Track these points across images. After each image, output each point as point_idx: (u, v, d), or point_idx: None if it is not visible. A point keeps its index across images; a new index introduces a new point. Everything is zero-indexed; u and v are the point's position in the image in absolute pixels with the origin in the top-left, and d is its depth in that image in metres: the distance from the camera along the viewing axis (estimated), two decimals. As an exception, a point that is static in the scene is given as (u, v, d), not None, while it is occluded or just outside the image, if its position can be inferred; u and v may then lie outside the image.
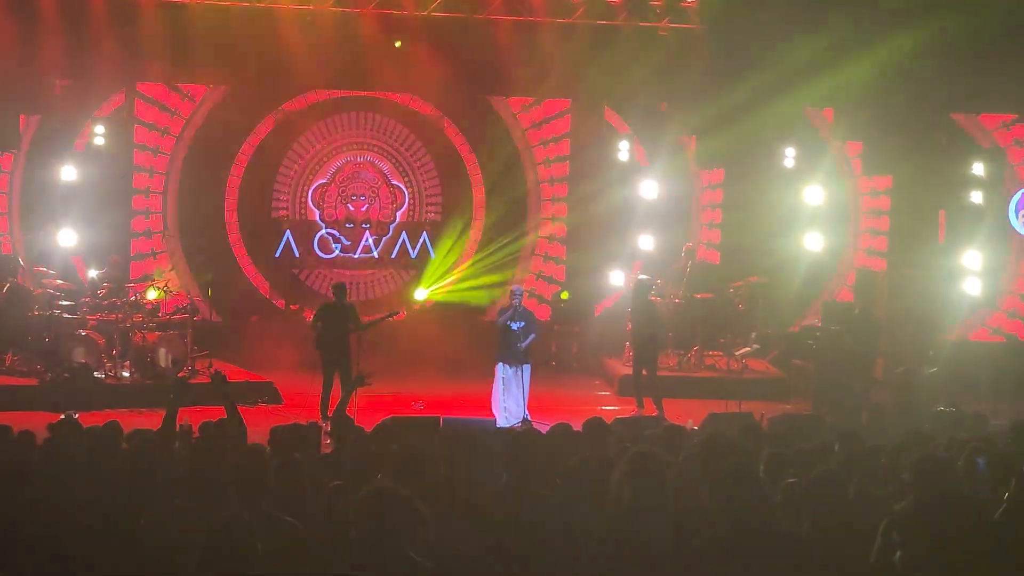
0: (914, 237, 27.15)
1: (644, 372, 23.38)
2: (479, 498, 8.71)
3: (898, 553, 8.50)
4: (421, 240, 28.69)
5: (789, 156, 27.73)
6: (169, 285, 24.40)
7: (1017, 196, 27.32)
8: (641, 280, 24.32)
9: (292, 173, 28.19)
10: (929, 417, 20.20)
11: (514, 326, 21.08)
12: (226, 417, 12.15)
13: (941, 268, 26.72)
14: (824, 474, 8.97)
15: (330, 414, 19.86)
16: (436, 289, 28.31)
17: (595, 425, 11.82)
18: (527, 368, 21.26)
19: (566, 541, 7.83)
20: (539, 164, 28.92)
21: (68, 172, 25.83)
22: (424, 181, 28.74)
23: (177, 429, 13.20)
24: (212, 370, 13.27)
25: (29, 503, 8.86)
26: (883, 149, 27.34)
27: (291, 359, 24.61)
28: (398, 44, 26.52)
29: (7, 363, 23.27)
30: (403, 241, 28.65)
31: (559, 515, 8.15)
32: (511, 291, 21.67)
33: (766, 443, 11.31)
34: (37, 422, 13.31)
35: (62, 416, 15.17)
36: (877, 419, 20.00)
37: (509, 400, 20.97)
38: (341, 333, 21.60)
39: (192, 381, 23.19)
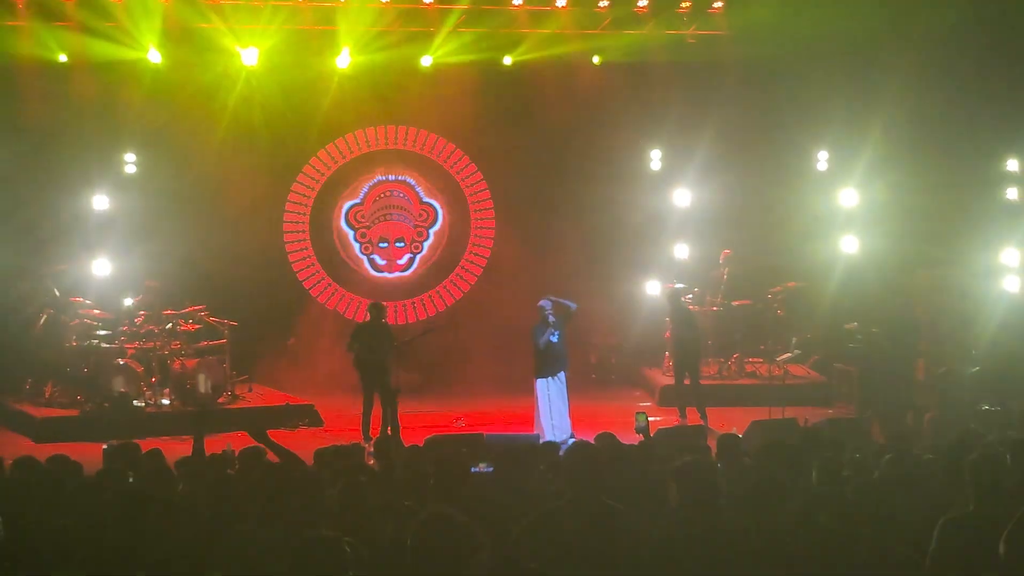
0: (951, 236, 26.94)
1: (686, 381, 23.29)
2: (542, 512, 8.60)
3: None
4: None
5: (822, 159, 27.66)
6: (204, 316, 24.32)
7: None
8: (677, 288, 24.26)
9: (325, 195, 28.14)
10: (974, 416, 20.09)
11: (554, 339, 20.96)
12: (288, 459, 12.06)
13: (979, 265, 26.54)
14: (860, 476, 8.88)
15: (373, 435, 19.98)
16: None
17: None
18: (563, 375, 21.11)
19: (630, 551, 7.76)
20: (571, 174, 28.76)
21: (100, 201, 25.83)
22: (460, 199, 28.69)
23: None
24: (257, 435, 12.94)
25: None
26: (915, 148, 27.20)
27: (330, 380, 24.54)
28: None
29: (47, 395, 23.25)
30: (438, 258, 28.60)
31: (624, 526, 8.08)
32: (540, 307, 21.33)
33: (822, 450, 11.19)
34: (79, 453, 13.27)
35: (104, 446, 15.18)
36: (921, 420, 19.90)
37: (555, 414, 20.79)
38: (379, 353, 21.54)
39: (232, 406, 23.35)
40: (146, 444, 14.42)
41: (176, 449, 17.22)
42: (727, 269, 26.44)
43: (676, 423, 22.40)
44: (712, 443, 14.59)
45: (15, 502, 9.58)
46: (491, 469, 11.41)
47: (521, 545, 8.02)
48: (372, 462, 13.98)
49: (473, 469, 12.26)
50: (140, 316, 23.74)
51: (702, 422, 22.12)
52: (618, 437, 12.58)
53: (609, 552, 7.81)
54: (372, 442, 18.12)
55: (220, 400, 23.38)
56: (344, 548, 6.96)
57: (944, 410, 21.60)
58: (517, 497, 9.52)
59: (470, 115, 27.81)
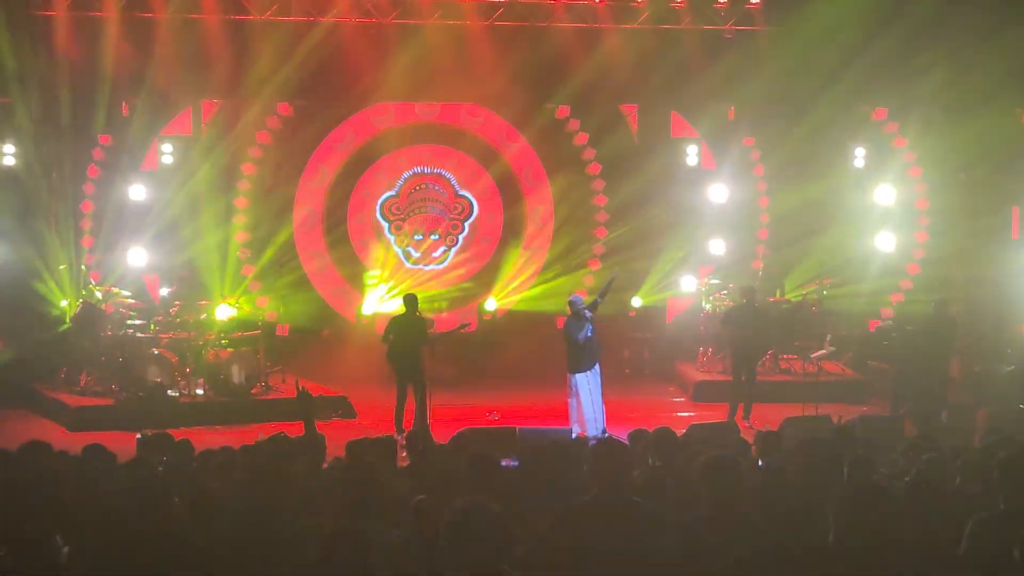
0: (987, 234, 26.81)
1: (743, 378, 23.06)
2: (570, 509, 8.56)
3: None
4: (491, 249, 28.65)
5: (859, 156, 27.58)
6: (240, 302, 24.40)
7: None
8: (753, 287, 24.01)
9: (362, 187, 28.20)
10: (1009, 416, 19.94)
11: (590, 333, 20.72)
12: (304, 434, 12.12)
13: (1015, 264, 26.40)
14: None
15: (407, 428, 19.93)
16: (507, 299, 28.25)
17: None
18: (599, 368, 20.94)
19: (654, 546, 7.74)
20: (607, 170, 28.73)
21: (137, 191, 25.99)
22: (492, 189, 28.65)
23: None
24: (300, 386, 13.19)
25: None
26: (951, 146, 27.06)
27: (364, 372, 24.54)
28: None
29: (82, 383, 23.34)
30: (473, 250, 28.60)
31: (652, 523, 8.05)
32: (571, 302, 21.02)
33: (855, 447, 11.16)
34: (113, 442, 13.31)
35: (138, 435, 15.25)
36: (956, 419, 19.75)
37: (589, 408, 20.61)
38: (413, 345, 21.48)
39: (265, 397, 23.38)
40: (179, 434, 14.50)
41: (209, 439, 17.32)
42: (762, 265, 26.33)
43: (711, 420, 22.19)
44: (749, 438, 14.53)
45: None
46: (516, 463, 11.37)
47: (548, 539, 8.01)
48: (404, 455, 13.97)
49: (502, 463, 12.28)
50: (175, 306, 23.79)
51: (746, 419, 22.03)
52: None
53: (634, 546, 7.79)
54: (404, 435, 18.08)
55: (253, 391, 23.40)
56: (368, 541, 6.96)
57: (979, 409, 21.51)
58: (547, 493, 9.48)
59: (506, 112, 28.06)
